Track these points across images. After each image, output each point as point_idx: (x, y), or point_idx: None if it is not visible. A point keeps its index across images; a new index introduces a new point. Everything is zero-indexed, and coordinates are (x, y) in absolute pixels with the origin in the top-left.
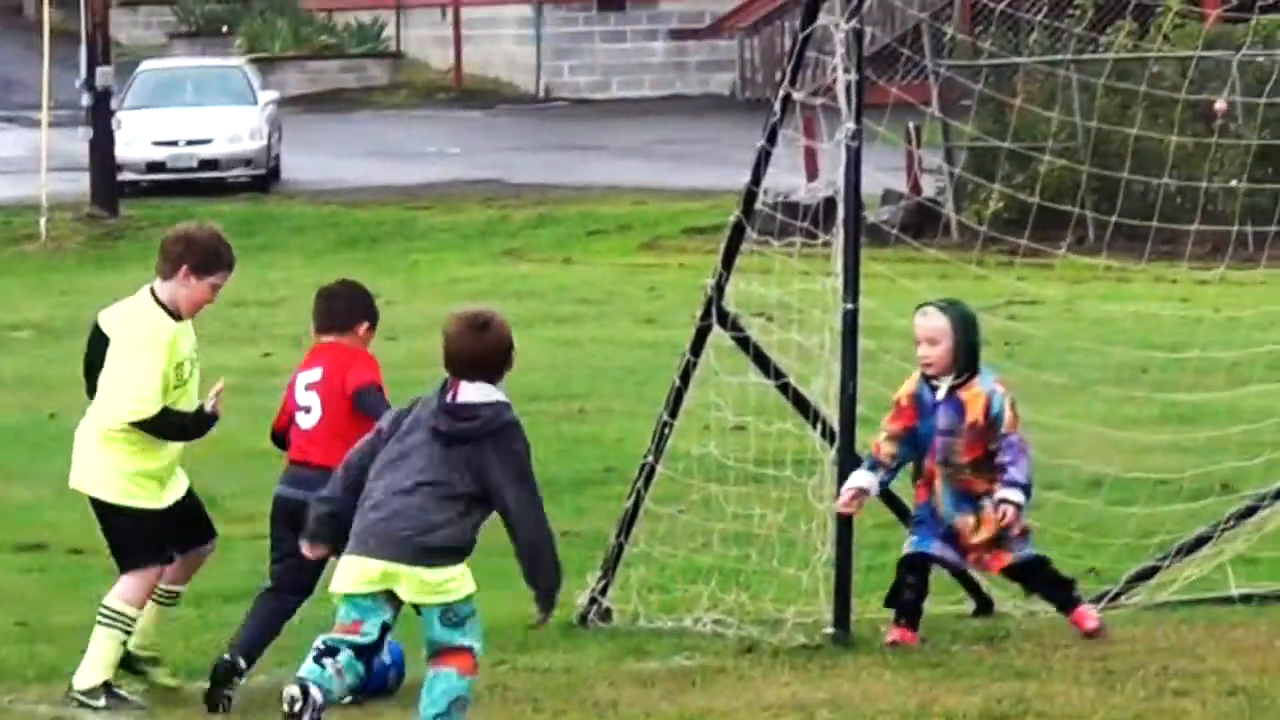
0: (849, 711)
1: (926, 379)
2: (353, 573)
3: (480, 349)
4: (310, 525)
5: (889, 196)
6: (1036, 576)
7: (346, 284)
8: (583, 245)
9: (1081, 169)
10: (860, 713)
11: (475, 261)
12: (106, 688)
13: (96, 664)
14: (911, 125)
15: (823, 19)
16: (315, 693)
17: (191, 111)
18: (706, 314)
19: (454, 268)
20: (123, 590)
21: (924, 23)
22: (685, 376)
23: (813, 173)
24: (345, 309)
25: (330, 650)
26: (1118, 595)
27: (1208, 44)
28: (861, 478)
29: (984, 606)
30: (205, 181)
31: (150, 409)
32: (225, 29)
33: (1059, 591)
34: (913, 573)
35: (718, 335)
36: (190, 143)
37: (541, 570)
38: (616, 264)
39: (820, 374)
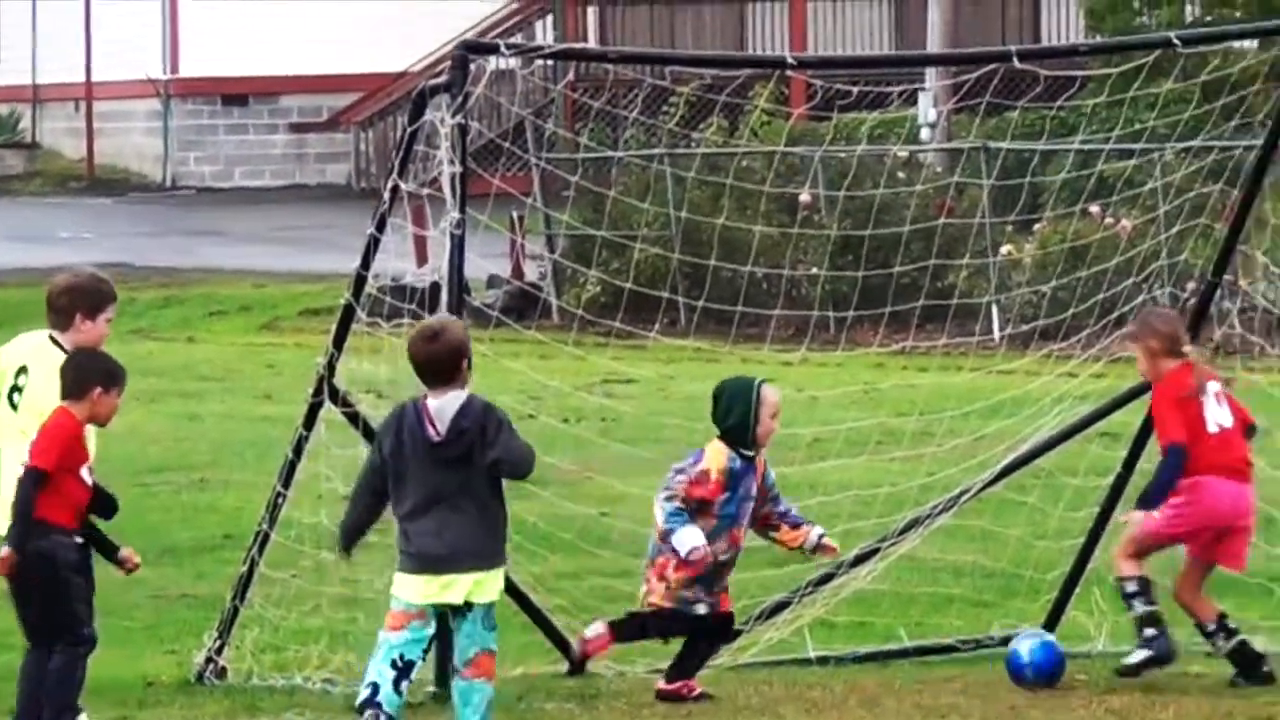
0: None
1: (739, 452)
2: (420, 588)
3: (435, 354)
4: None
5: (494, 281)
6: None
7: (77, 353)
8: (206, 325)
9: (673, 256)
10: None
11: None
12: None
13: None
14: (515, 214)
15: (429, 115)
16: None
17: None
18: (319, 391)
19: None
20: None
21: (527, 119)
22: (298, 449)
23: (422, 259)
24: (73, 377)
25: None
26: None
27: (793, 140)
28: (697, 534)
29: (577, 667)
30: None
31: None
32: None
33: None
34: None
35: (329, 411)
36: None
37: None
38: (237, 343)
39: None
